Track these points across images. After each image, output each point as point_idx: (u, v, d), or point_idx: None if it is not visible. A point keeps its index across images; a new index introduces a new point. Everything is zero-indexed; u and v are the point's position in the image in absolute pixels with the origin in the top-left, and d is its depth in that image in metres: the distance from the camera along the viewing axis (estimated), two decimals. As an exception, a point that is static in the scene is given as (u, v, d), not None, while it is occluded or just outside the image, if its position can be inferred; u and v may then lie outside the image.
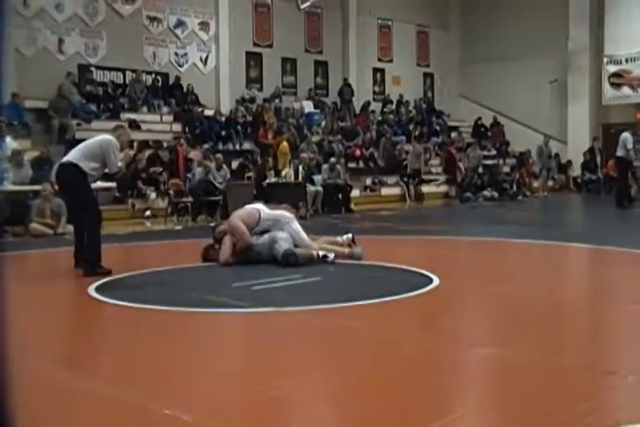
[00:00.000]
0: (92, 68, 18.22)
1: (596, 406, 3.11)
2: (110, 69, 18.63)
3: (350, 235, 8.07)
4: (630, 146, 15.20)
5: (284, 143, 16.43)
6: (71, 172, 7.09)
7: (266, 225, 7.62)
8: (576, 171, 23.07)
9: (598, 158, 22.32)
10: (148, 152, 15.09)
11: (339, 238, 8.02)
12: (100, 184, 9.22)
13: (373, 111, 22.97)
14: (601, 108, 23.80)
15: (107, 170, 7.22)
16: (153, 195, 14.42)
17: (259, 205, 8.02)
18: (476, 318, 5.29)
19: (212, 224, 9.14)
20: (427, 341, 4.34)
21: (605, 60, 23.43)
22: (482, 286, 6.31)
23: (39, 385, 3.61)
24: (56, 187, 8.31)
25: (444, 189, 20.32)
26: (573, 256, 8.89)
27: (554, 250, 8.79)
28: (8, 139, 12.85)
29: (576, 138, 23.56)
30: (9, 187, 11.72)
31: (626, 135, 15.30)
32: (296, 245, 7.49)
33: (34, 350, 4.28)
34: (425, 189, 19.69)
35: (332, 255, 7.42)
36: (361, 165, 20.17)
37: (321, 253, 7.46)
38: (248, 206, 8.06)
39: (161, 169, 15.04)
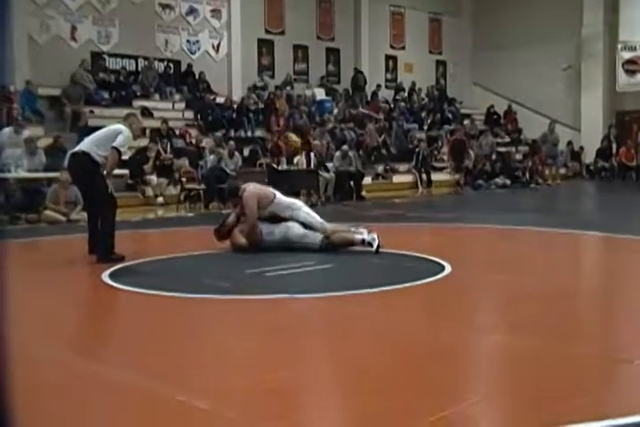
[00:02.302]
0: (105, 56, 18.24)
1: (606, 395, 3.12)
2: (122, 57, 18.64)
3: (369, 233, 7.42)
4: None
5: (294, 139, 16.35)
6: (83, 161, 7.10)
7: (276, 208, 7.54)
8: (589, 158, 22.94)
9: (614, 146, 22.15)
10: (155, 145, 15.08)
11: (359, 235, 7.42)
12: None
13: (386, 101, 22.86)
14: (615, 95, 23.60)
15: (114, 144, 7.09)
16: (155, 180, 14.42)
17: (274, 189, 7.89)
18: (487, 305, 5.30)
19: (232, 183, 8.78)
20: (438, 328, 4.36)
21: (620, 46, 23.21)
22: (494, 273, 6.31)
23: (52, 372, 3.65)
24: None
25: (455, 176, 20.22)
26: (587, 244, 8.86)
27: (567, 238, 8.77)
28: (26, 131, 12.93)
29: (589, 125, 23.40)
30: (23, 174, 11.77)
31: None
32: (311, 229, 7.49)
33: (47, 336, 4.32)
34: (437, 176, 19.61)
35: (376, 242, 7.11)
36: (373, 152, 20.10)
37: (365, 236, 7.21)
38: (265, 186, 8.03)
39: (172, 156, 15.06)
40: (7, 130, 12.42)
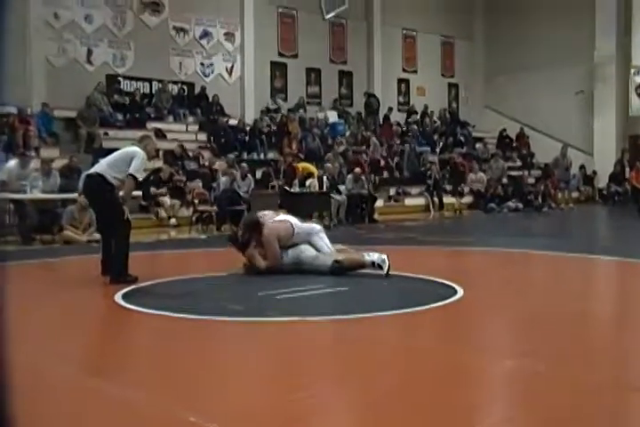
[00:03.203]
0: (120, 78, 18.45)
1: (621, 424, 3.11)
2: (137, 79, 18.84)
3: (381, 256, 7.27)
4: None
5: (304, 165, 16.34)
6: (98, 183, 7.15)
7: (297, 240, 7.57)
8: (602, 182, 22.88)
9: (627, 170, 22.09)
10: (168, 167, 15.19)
11: (368, 254, 7.39)
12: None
13: (398, 124, 22.96)
14: (628, 120, 23.59)
15: (129, 170, 7.11)
16: (167, 201, 14.50)
17: (291, 219, 7.80)
18: (500, 329, 5.28)
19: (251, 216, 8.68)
20: (452, 352, 4.34)
21: (632, 71, 23.24)
22: (507, 297, 6.29)
23: (65, 392, 3.67)
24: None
25: (468, 200, 20.22)
26: (600, 268, 8.82)
27: (579, 262, 8.73)
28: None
29: (602, 149, 23.37)
30: (38, 195, 11.85)
31: None
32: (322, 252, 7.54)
33: (61, 356, 4.34)
34: (449, 199, 19.61)
35: (386, 264, 7.08)
36: (385, 175, 20.15)
37: (375, 259, 7.17)
38: (282, 218, 7.84)
39: (184, 179, 15.14)
40: (13, 163, 12.33)
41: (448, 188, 20.14)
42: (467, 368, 3.97)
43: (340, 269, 7.26)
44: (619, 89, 23.54)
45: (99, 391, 3.61)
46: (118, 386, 3.69)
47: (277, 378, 3.89)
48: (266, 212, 8.02)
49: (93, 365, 4.35)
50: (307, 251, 7.46)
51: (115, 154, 7.46)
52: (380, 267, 7.12)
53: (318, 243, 7.57)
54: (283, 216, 8.04)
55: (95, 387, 3.69)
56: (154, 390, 3.65)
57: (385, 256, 7.19)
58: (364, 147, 20.45)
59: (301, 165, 16.17)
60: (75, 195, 11.35)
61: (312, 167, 16.04)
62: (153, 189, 14.42)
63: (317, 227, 7.88)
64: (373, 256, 7.22)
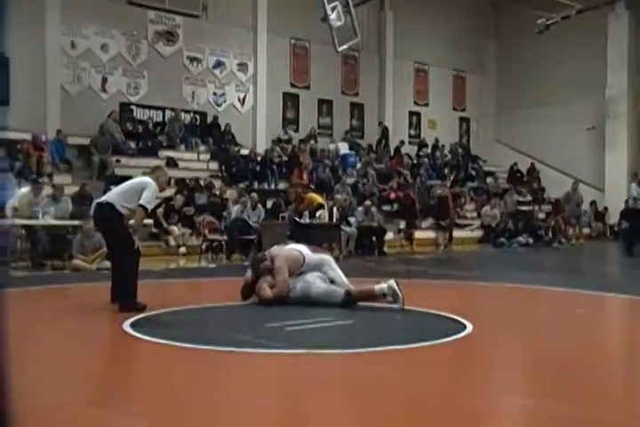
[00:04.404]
0: (133, 107, 18.62)
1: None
2: (150, 108, 19.03)
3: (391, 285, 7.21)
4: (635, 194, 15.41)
5: (311, 196, 16.24)
6: (108, 212, 7.16)
7: (307, 269, 7.55)
8: (613, 219, 22.81)
9: (638, 207, 21.99)
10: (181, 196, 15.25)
11: (378, 285, 7.28)
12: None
13: (409, 157, 23.04)
14: (639, 156, 23.61)
15: (140, 201, 7.14)
16: (177, 230, 14.53)
17: (301, 248, 7.79)
18: (509, 366, 5.22)
19: (256, 255, 8.62)
20: (458, 389, 4.29)
21: (644, 107, 23.36)
22: (516, 333, 6.24)
23: (66, 420, 3.64)
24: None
25: (478, 234, 20.20)
26: (611, 306, 8.76)
27: (590, 299, 8.67)
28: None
29: (613, 185, 23.33)
30: (50, 221, 11.90)
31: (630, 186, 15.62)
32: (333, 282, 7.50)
33: (64, 384, 4.32)
34: (459, 233, 19.59)
35: (396, 292, 7.04)
36: (395, 207, 20.15)
37: (385, 291, 7.09)
38: (291, 247, 7.89)
39: (193, 210, 15.18)
40: (26, 190, 12.41)
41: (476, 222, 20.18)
42: (471, 406, 3.91)
43: (350, 301, 7.22)
44: (630, 125, 23.61)
45: (100, 421, 3.59)
46: (121, 416, 3.67)
47: (278, 411, 3.86)
48: (274, 247, 8.01)
49: (97, 393, 4.32)
50: (315, 285, 7.38)
51: (126, 183, 7.49)
52: (394, 299, 7.08)
53: (330, 274, 7.55)
54: (292, 245, 8.04)
55: (97, 416, 3.66)
56: (157, 420, 3.62)
57: (392, 282, 7.13)
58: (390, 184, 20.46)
59: (309, 196, 16.16)
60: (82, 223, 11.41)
61: (319, 198, 16.01)
62: (171, 223, 14.49)
63: (327, 257, 7.85)
64: (384, 287, 7.18)
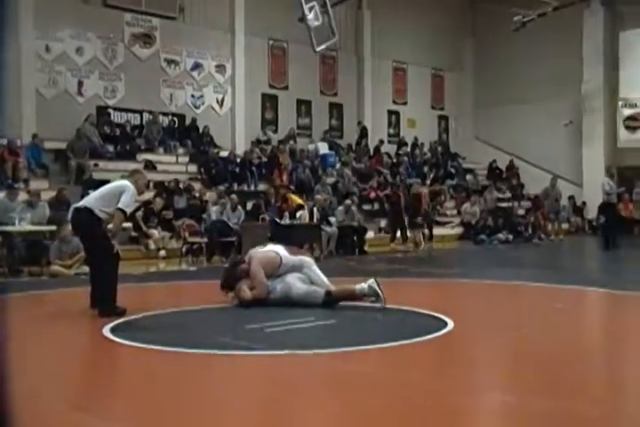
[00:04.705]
0: (110, 110, 18.50)
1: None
2: (128, 111, 18.91)
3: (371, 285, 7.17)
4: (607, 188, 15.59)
5: (290, 196, 16.20)
6: (86, 217, 7.10)
7: (285, 270, 7.51)
8: (591, 213, 22.94)
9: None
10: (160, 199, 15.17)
11: (359, 285, 7.26)
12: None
13: (389, 156, 23.05)
14: (616, 151, 23.77)
15: (119, 204, 7.07)
16: (156, 233, 14.46)
17: (279, 249, 7.73)
18: (490, 363, 5.23)
19: (232, 259, 8.76)
20: (440, 386, 4.29)
21: (620, 103, 23.51)
22: (497, 330, 6.25)
23: (48, 426, 3.60)
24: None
25: (458, 231, 20.26)
26: (591, 300, 8.81)
27: (570, 294, 8.71)
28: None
29: (591, 180, 23.40)
30: (26, 227, 11.79)
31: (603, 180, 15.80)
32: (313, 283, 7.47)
33: (47, 391, 4.27)
34: (439, 231, 19.62)
35: (381, 296, 7.03)
36: (376, 206, 20.16)
37: (366, 291, 7.08)
38: (269, 249, 7.81)
39: (172, 214, 15.08)
40: (1, 195, 12.26)
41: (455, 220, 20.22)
42: (452, 403, 3.90)
43: (331, 301, 7.20)
44: (606, 121, 23.78)
45: (81, 425, 3.56)
46: (101, 420, 3.64)
47: (261, 413, 3.83)
48: (253, 249, 7.96)
49: (77, 398, 4.29)
50: (296, 286, 7.35)
51: (104, 187, 7.43)
52: (375, 298, 7.07)
53: (311, 276, 7.52)
54: (270, 246, 7.99)
55: (78, 421, 3.64)
56: (138, 424, 3.60)
57: (372, 281, 7.10)
58: (353, 178, 20.48)
59: (288, 197, 16.12)
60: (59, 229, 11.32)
61: (299, 199, 15.99)
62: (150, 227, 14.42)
63: (307, 259, 7.80)
64: (364, 287, 7.16)
